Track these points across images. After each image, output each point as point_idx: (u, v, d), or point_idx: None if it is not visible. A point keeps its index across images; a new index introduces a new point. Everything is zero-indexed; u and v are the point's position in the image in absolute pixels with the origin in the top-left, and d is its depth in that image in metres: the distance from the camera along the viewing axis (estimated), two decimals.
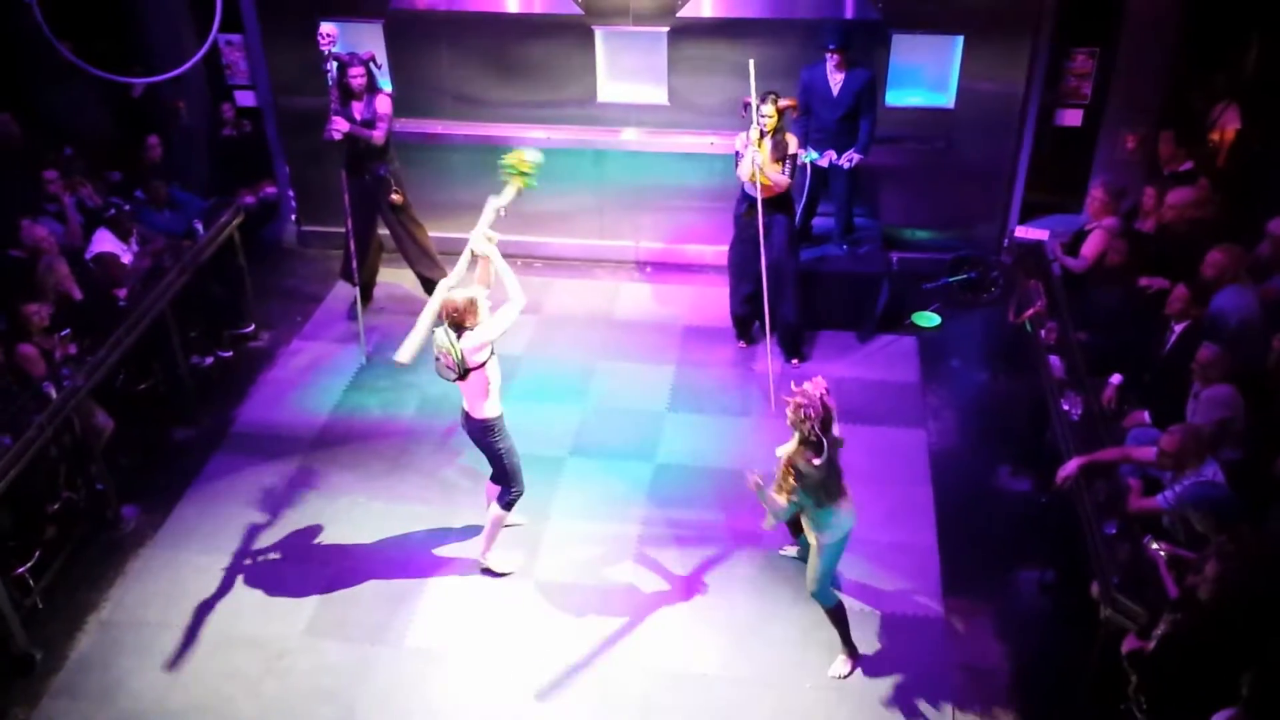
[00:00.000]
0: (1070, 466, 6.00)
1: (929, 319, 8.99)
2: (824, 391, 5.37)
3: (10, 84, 9.16)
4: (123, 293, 7.63)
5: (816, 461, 5.38)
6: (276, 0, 9.29)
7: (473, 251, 6.12)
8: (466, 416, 6.20)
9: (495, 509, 6.45)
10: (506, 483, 6.37)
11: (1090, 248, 7.50)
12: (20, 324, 6.84)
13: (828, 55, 8.18)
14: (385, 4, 9.16)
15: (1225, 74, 8.83)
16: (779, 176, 7.75)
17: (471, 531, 6.91)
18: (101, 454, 7.12)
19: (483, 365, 5.91)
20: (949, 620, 6.34)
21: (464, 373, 5.86)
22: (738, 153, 7.81)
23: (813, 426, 5.31)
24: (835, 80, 8.23)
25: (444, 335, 5.83)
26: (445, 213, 9.54)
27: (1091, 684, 5.51)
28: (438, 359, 5.88)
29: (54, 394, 6.60)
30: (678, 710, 5.85)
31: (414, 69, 9.40)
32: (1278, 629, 4.48)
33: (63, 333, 7.03)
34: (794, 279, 8.23)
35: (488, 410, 6.11)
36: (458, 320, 5.79)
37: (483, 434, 6.19)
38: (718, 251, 9.45)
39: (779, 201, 7.93)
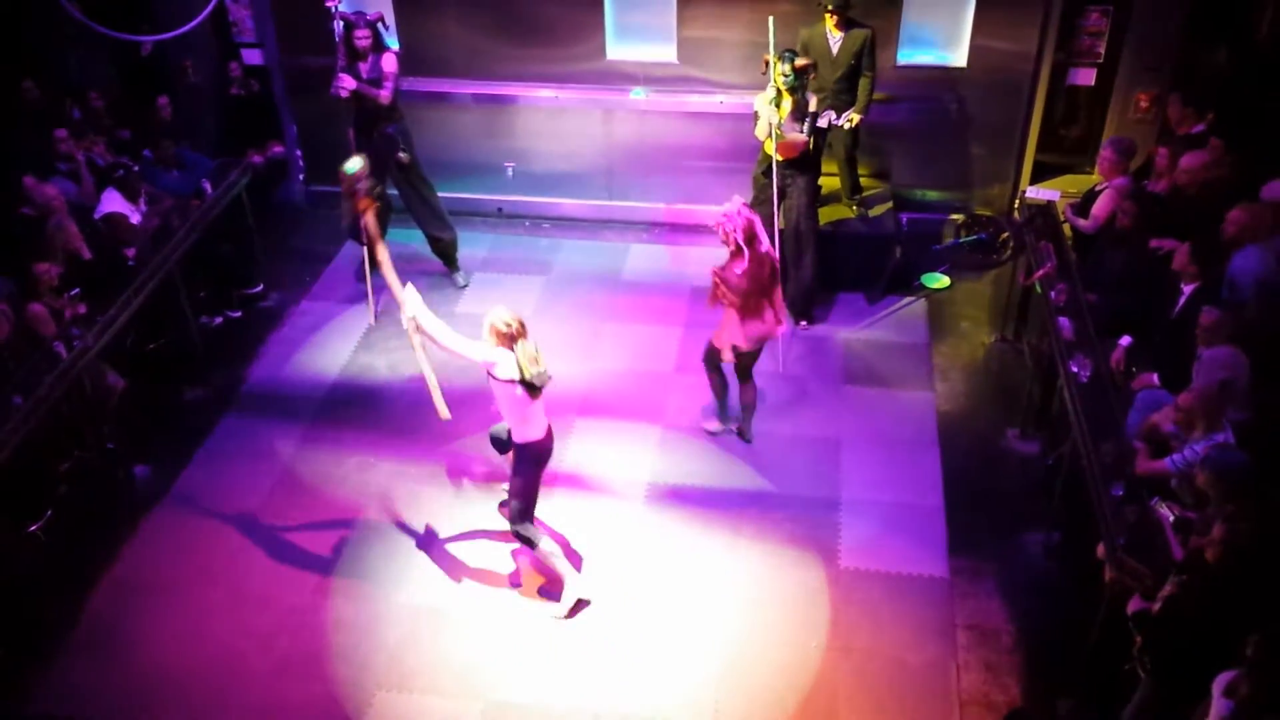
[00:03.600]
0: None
1: (938, 280, 8.96)
2: (745, 206, 6.59)
3: (22, 45, 9.12)
4: (131, 253, 7.65)
5: (739, 270, 6.53)
6: None
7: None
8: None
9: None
10: None
11: (1100, 208, 7.45)
12: (30, 283, 6.86)
13: (826, 14, 8.09)
14: None
15: (1239, 33, 8.71)
16: (796, 136, 7.68)
17: (482, 490, 6.95)
18: (112, 413, 7.16)
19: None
20: (954, 581, 6.37)
21: None
22: (756, 113, 7.75)
23: (735, 237, 6.48)
24: (834, 40, 8.15)
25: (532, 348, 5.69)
26: (454, 172, 9.54)
27: (1096, 644, 5.54)
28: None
29: (64, 353, 6.63)
30: (683, 669, 5.90)
31: (422, 27, 9.34)
32: None
33: (72, 292, 7.05)
34: (813, 241, 8.18)
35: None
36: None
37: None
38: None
39: (799, 163, 7.87)
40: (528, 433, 5.90)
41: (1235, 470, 5.03)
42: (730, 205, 6.60)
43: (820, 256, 8.26)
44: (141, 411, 7.56)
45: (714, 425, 7.45)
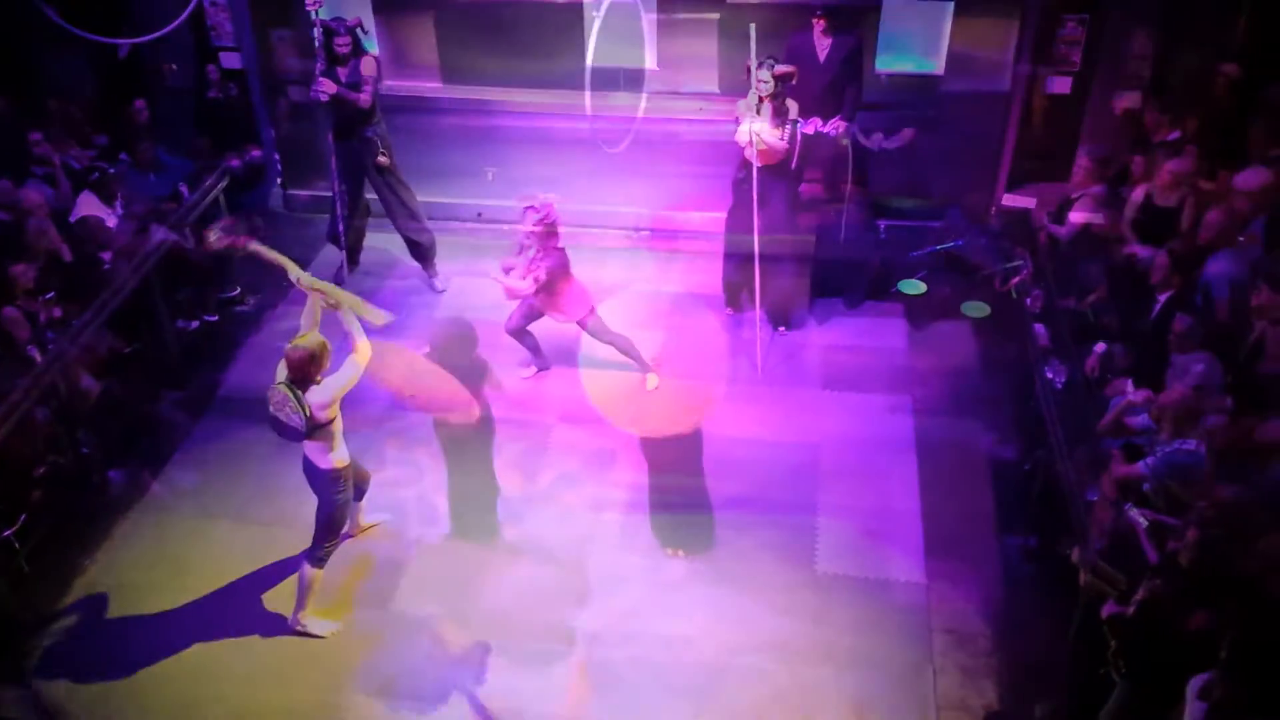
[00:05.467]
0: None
1: (915, 286, 8.99)
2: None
3: None
4: (107, 256, 7.59)
5: (559, 246, 7.38)
6: None
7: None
8: (309, 463, 5.74)
9: (307, 569, 5.94)
10: (323, 537, 5.89)
11: (1077, 216, 7.51)
12: (5, 286, 6.80)
13: (814, 21, 8.11)
14: None
15: (1214, 40, 8.80)
16: (776, 142, 7.69)
17: (461, 495, 6.95)
18: (88, 417, 7.11)
19: (329, 422, 5.54)
20: (931, 585, 6.39)
21: (311, 430, 5.45)
22: (737, 118, 7.76)
23: (554, 222, 7.25)
24: (822, 46, 8.16)
25: (288, 391, 5.37)
26: (433, 176, 9.51)
27: (1072, 648, 5.57)
28: (278, 415, 5.43)
29: (39, 357, 6.57)
30: (662, 672, 5.90)
31: (402, 31, 9.32)
32: (1255, 594, 4.53)
33: (47, 295, 7.00)
34: (791, 247, 8.18)
35: (335, 460, 5.70)
36: (304, 375, 5.37)
37: (327, 485, 5.75)
38: (706, 218, 9.44)
39: (778, 169, 7.89)
40: None
41: (1195, 469, 5.09)
42: (537, 197, 7.25)
43: (799, 263, 8.27)
44: (117, 416, 7.50)
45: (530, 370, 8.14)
